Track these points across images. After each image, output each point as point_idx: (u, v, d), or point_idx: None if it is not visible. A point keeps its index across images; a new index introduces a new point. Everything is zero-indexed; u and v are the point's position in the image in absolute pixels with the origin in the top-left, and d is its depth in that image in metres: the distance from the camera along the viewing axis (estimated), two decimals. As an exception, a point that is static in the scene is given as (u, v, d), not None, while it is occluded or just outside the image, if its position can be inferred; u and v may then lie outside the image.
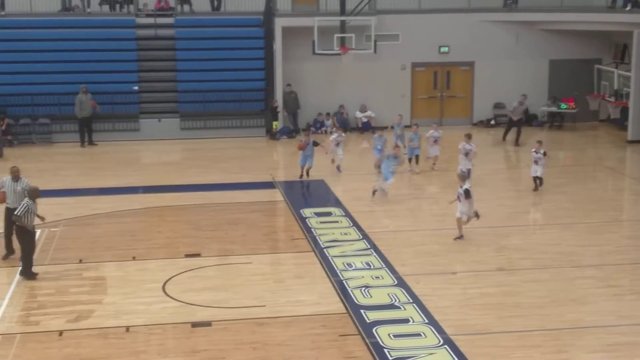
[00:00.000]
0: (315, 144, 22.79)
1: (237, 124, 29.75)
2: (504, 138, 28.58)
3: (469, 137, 21.95)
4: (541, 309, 13.83)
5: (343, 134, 24.54)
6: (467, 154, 21.53)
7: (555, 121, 31.25)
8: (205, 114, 29.61)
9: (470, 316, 13.53)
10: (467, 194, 17.07)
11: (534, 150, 20.99)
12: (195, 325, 13.31)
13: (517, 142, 27.95)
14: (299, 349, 12.47)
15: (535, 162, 20.92)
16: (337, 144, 23.69)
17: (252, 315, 13.64)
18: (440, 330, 12.86)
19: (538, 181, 21.20)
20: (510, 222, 18.93)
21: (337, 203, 20.27)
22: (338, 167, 23.69)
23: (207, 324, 13.34)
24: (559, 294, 14.47)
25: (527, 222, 19.52)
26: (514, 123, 28.57)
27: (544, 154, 20.84)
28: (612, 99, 30.89)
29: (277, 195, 21.86)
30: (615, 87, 30.70)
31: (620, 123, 29.98)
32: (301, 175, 22.97)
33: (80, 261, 16.35)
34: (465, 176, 17.78)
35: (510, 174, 25.31)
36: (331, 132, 26.13)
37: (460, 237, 17.28)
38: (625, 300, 14.42)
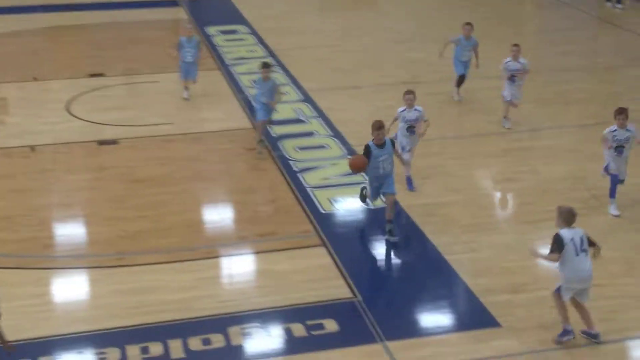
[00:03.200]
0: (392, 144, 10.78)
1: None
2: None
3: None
4: (441, 118, 14.25)
5: (418, 108, 11.89)
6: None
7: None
8: None
9: (374, 128, 13.83)
10: (558, 245, 8.00)
11: (509, 59, 13.42)
12: (102, 143, 13.32)
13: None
14: (207, 163, 12.67)
15: (511, 77, 13.42)
16: (409, 128, 11.79)
17: (160, 133, 13.70)
18: (344, 142, 13.20)
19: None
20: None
21: (242, 20, 20.00)
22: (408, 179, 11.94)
23: (114, 141, 13.36)
24: (461, 105, 14.92)
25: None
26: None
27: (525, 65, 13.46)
28: None
29: (181, 13, 21.39)
30: None
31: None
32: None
33: (-21, 82, 15.96)
34: (573, 214, 8.16)
35: None
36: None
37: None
38: (521, 109, 14.89)
